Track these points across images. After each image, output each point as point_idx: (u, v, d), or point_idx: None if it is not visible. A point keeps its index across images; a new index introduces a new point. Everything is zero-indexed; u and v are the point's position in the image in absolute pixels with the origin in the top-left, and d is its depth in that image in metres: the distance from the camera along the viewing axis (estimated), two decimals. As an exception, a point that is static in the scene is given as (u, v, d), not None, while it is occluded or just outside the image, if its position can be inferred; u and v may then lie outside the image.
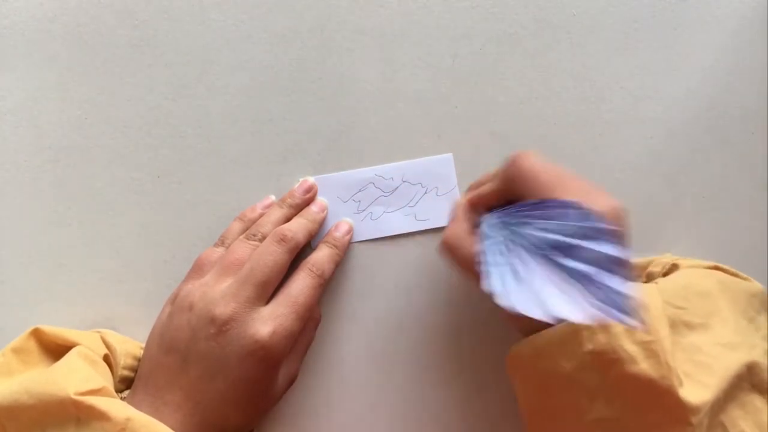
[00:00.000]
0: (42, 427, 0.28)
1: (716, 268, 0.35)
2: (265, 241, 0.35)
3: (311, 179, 0.39)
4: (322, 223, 0.38)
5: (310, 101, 0.40)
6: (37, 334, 0.33)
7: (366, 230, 0.39)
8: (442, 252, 0.34)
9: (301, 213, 0.38)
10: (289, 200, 0.38)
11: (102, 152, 0.39)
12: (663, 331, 0.29)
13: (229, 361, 0.31)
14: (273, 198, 0.39)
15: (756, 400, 0.30)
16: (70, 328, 0.34)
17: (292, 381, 0.36)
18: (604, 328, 0.29)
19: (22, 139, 0.39)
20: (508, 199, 0.33)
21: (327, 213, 0.39)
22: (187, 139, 0.39)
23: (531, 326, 0.31)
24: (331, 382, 0.39)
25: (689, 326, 0.31)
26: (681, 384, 0.28)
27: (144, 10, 0.39)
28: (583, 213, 0.29)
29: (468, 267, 0.32)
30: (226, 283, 0.33)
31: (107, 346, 0.34)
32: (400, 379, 0.39)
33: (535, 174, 0.31)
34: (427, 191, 0.39)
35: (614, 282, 0.27)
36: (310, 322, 0.36)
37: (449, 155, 0.39)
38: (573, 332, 0.29)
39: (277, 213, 0.37)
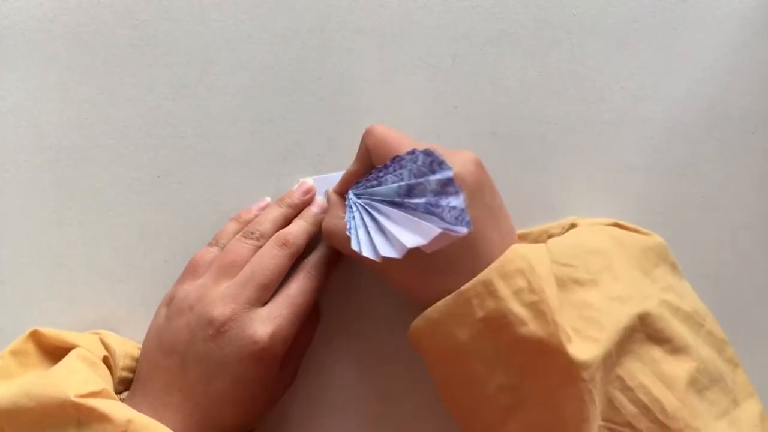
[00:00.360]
0: (42, 429, 0.28)
1: (616, 224, 0.35)
2: (267, 244, 0.35)
3: (310, 181, 0.39)
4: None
5: (310, 101, 0.40)
6: (35, 337, 0.33)
7: None
8: (325, 240, 0.35)
9: (301, 215, 0.37)
10: (287, 200, 0.38)
11: (102, 152, 0.39)
12: (549, 290, 0.29)
13: (228, 362, 0.31)
14: (269, 200, 0.38)
15: (653, 351, 0.30)
16: (69, 328, 0.34)
17: (291, 381, 0.36)
18: (492, 293, 0.29)
19: (22, 139, 0.39)
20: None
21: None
22: (187, 139, 0.39)
23: (425, 298, 0.31)
24: (332, 382, 0.39)
25: (579, 283, 0.31)
26: (570, 341, 0.28)
27: (144, 10, 0.39)
28: (427, 152, 0.29)
29: (346, 249, 0.32)
30: (225, 285, 0.33)
31: (106, 347, 0.34)
32: (404, 378, 0.39)
33: (384, 139, 0.32)
34: None
35: (448, 201, 0.28)
36: (309, 322, 0.36)
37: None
38: (464, 301, 0.29)
39: (276, 212, 0.37)
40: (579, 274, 0.31)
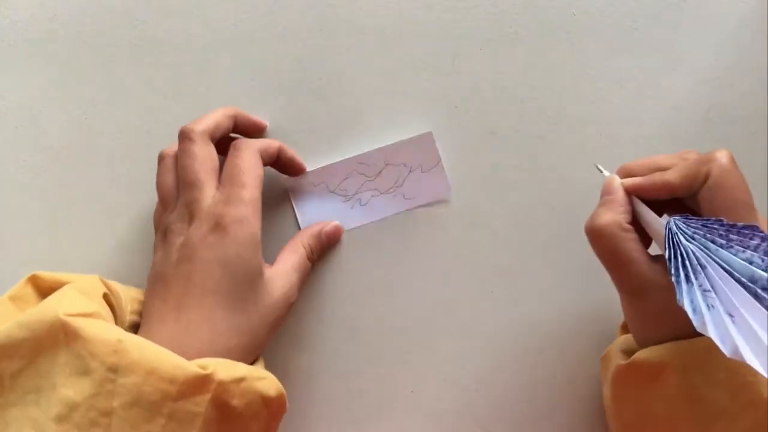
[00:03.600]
0: (36, 357, 0.27)
1: None
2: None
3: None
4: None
5: (310, 101, 0.39)
6: (34, 281, 0.32)
7: (357, 217, 0.39)
8: (593, 238, 0.31)
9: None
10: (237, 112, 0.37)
11: (102, 152, 0.39)
12: None
13: (228, 256, 0.32)
14: None
15: None
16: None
17: (289, 302, 0.35)
18: None
19: (22, 139, 0.39)
20: (677, 196, 0.31)
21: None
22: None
23: (656, 335, 0.29)
24: (327, 376, 0.39)
25: None
26: None
27: (144, 10, 0.39)
28: None
29: (617, 262, 0.30)
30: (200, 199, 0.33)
31: (107, 286, 0.33)
32: (399, 366, 0.39)
33: (735, 185, 0.29)
34: (412, 170, 0.39)
35: None
36: (300, 247, 0.37)
37: (429, 132, 0.39)
38: (709, 346, 0.27)
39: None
40: None
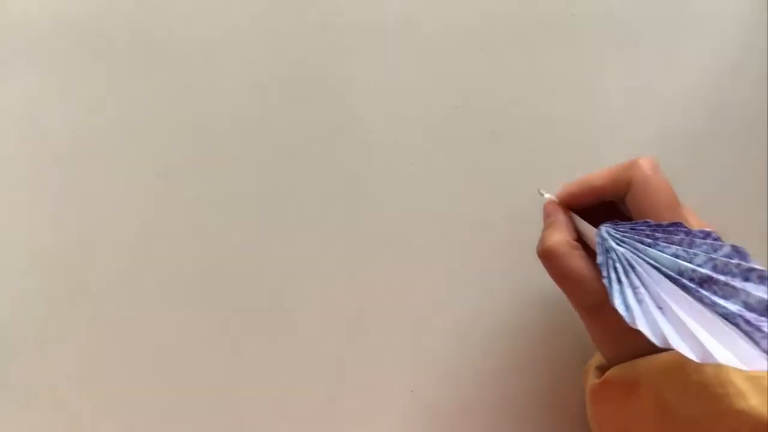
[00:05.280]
0: None
1: None
2: None
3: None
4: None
5: (310, 101, 0.40)
6: None
7: None
8: (546, 260, 0.32)
9: None
10: None
11: (102, 152, 0.39)
12: None
13: None
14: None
15: None
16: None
17: None
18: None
19: (22, 139, 0.39)
20: (606, 199, 0.32)
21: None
22: (187, 139, 0.39)
23: (624, 351, 0.30)
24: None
25: None
26: None
27: (144, 10, 0.39)
28: (716, 245, 0.27)
29: (571, 280, 0.31)
30: None
31: None
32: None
33: (657, 188, 0.30)
34: None
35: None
36: None
37: None
38: (679, 361, 0.27)
39: None
40: None
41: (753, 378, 0.27)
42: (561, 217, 0.33)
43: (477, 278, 0.40)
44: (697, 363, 0.26)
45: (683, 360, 0.27)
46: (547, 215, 0.34)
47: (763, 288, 0.26)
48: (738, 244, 0.27)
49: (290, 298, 0.39)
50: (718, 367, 0.27)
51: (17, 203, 0.39)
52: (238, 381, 0.38)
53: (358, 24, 0.39)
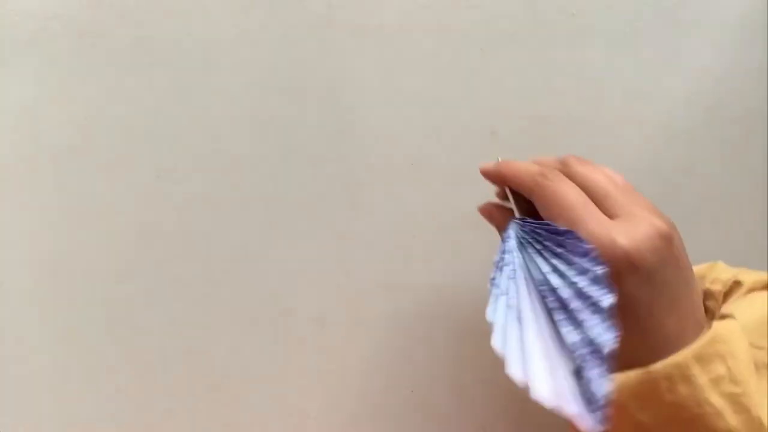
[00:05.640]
0: None
1: None
2: None
3: None
4: None
5: (310, 101, 0.39)
6: None
7: None
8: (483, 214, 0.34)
9: None
10: None
11: (102, 152, 0.39)
12: (752, 382, 0.26)
13: None
14: None
15: None
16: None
17: None
18: (687, 378, 0.26)
19: (22, 139, 0.39)
20: (518, 191, 0.32)
21: None
22: (187, 139, 0.39)
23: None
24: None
25: None
26: None
27: (144, 10, 0.39)
28: (587, 267, 0.26)
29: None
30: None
31: None
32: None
33: (553, 196, 0.29)
34: None
35: (596, 373, 0.24)
36: None
37: None
38: (651, 381, 0.27)
39: None
40: None
41: (730, 395, 0.26)
42: (496, 217, 0.34)
43: (477, 278, 0.40)
44: (670, 382, 0.26)
45: (655, 380, 0.26)
46: (488, 220, 0.35)
47: (599, 324, 0.25)
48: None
49: (290, 298, 0.39)
50: (693, 386, 0.26)
51: (16, 203, 0.39)
52: (238, 381, 0.38)
53: (358, 24, 0.39)
